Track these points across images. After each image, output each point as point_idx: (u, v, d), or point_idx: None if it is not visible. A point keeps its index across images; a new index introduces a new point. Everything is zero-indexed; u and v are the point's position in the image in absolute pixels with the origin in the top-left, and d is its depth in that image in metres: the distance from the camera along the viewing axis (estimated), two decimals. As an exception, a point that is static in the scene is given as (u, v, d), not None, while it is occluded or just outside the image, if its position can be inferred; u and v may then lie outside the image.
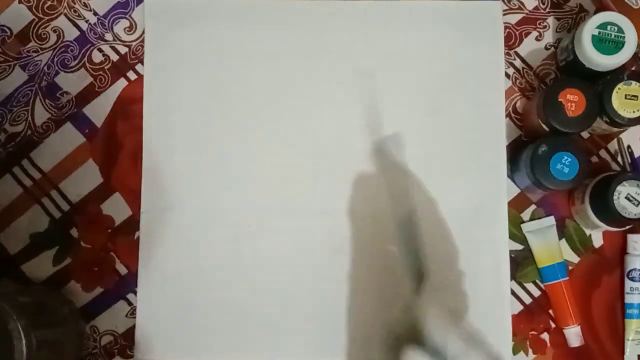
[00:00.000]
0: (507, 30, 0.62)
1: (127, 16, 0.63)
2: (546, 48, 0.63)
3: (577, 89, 0.56)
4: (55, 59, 0.63)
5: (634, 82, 0.55)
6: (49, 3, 0.64)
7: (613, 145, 0.61)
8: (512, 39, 0.62)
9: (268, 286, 0.60)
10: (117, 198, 0.62)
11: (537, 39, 0.63)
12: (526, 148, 0.58)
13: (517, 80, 0.62)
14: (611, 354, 0.60)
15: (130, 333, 0.61)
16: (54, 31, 0.63)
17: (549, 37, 0.63)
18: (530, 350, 0.60)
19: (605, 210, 0.56)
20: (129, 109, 0.63)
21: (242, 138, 0.62)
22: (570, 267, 0.61)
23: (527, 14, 0.63)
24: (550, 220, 0.61)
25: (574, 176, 0.55)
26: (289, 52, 0.62)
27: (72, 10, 0.64)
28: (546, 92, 0.56)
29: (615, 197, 0.55)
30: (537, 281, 0.61)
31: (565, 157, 0.56)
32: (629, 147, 0.61)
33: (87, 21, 0.64)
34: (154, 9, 0.63)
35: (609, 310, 0.60)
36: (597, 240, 0.61)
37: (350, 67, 0.62)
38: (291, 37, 0.62)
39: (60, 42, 0.63)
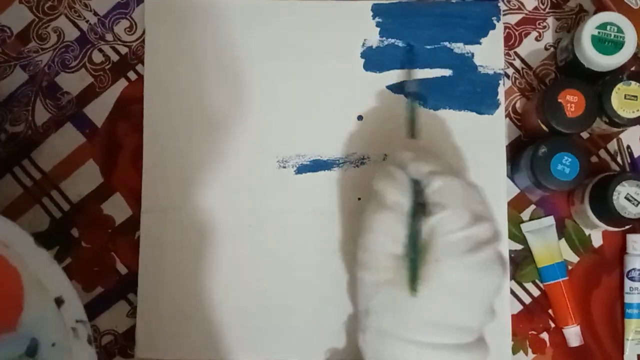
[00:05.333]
0: (507, 30, 0.63)
1: (127, 16, 0.63)
2: (546, 48, 0.63)
3: (576, 90, 0.56)
4: (56, 59, 0.63)
5: (633, 82, 0.56)
6: (50, 3, 0.64)
7: (613, 145, 0.62)
8: (511, 39, 0.63)
9: (268, 286, 0.61)
10: (117, 198, 0.62)
11: (536, 39, 0.63)
12: (526, 149, 0.58)
13: (517, 81, 0.63)
14: (611, 353, 0.60)
15: (130, 333, 0.61)
16: (55, 31, 0.63)
17: (548, 37, 0.63)
18: (529, 350, 0.60)
19: (605, 210, 0.56)
20: (129, 109, 0.63)
21: (243, 138, 0.62)
22: (569, 267, 0.61)
23: (526, 14, 0.63)
24: (550, 220, 0.61)
25: (574, 176, 0.56)
26: (290, 52, 0.62)
27: (72, 10, 0.64)
28: (546, 93, 0.56)
29: (614, 197, 0.55)
30: (537, 281, 0.61)
31: (566, 158, 0.56)
32: (628, 147, 0.61)
33: (87, 21, 0.64)
34: (154, 9, 0.63)
35: (609, 310, 0.61)
36: (597, 240, 0.61)
37: (350, 66, 0.62)
38: (292, 37, 0.62)
39: (60, 42, 0.63)
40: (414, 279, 0.46)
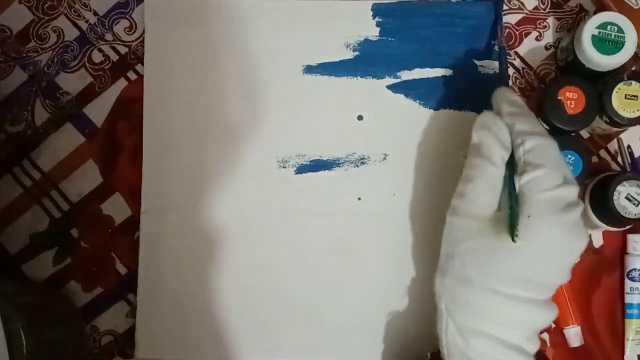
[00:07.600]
0: (507, 30, 0.62)
1: (127, 16, 0.63)
2: (546, 48, 0.63)
3: (576, 87, 0.56)
4: (55, 59, 0.63)
5: (634, 82, 0.56)
6: (49, 3, 0.64)
7: (613, 145, 0.61)
8: (512, 39, 0.63)
9: (268, 286, 0.61)
10: (117, 198, 0.62)
11: (537, 39, 0.63)
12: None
13: (517, 81, 0.62)
14: (611, 354, 0.60)
15: (130, 333, 0.61)
16: (54, 31, 0.63)
17: (549, 37, 0.63)
18: (530, 350, 0.60)
19: (605, 210, 0.56)
20: (129, 109, 0.63)
21: (243, 138, 0.62)
22: (570, 267, 0.61)
23: (527, 14, 0.63)
24: (550, 220, 0.61)
25: (577, 174, 0.56)
26: (289, 51, 0.62)
27: (72, 10, 0.64)
28: (545, 91, 0.56)
29: (615, 197, 0.55)
30: (537, 281, 0.61)
31: (569, 156, 0.56)
32: (629, 147, 0.61)
33: (87, 21, 0.64)
34: (154, 9, 0.63)
35: (609, 310, 0.60)
36: (597, 240, 0.61)
37: (350, 66, 0.62)
38: (292, 36, 0.62)
39: (60, 42, 0.63)
40: (514, 227, 0.47)
